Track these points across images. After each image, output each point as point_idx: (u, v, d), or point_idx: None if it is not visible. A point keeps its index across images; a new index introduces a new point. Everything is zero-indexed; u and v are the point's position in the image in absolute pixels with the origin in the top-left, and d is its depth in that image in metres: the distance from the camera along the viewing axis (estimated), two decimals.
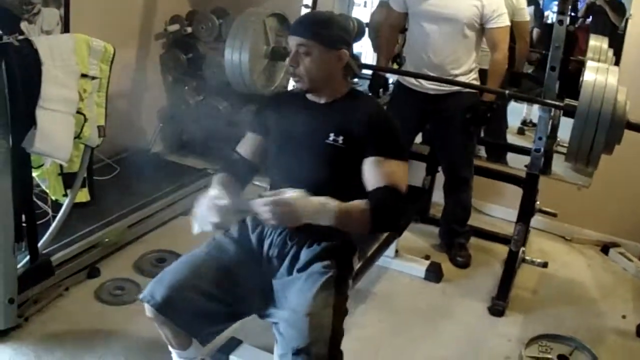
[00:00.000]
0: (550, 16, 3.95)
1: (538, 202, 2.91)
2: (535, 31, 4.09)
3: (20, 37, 1.95)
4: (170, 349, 1.82)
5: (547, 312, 2.67)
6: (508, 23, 2.69)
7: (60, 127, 2.09)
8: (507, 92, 2.54)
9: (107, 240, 2.61)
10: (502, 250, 2.90)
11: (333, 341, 1.60)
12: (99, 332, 2.20)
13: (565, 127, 2.94)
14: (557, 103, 2.42)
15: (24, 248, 2.16)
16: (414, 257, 2.89)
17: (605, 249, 3.23)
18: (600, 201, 3.20)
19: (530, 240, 3.24)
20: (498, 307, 2.59)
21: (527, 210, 2.58)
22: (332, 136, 1.72)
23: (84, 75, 2.16)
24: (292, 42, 1.73)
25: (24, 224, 2.11)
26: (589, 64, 2.42)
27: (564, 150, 2.68)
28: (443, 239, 3.08)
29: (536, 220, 3.32)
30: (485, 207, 3.51)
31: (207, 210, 1.60)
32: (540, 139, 2.52)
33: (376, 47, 3.06)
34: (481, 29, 2.69)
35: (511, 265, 2.59)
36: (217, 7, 3.47)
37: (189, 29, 3.45)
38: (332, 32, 1.71)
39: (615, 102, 2.25)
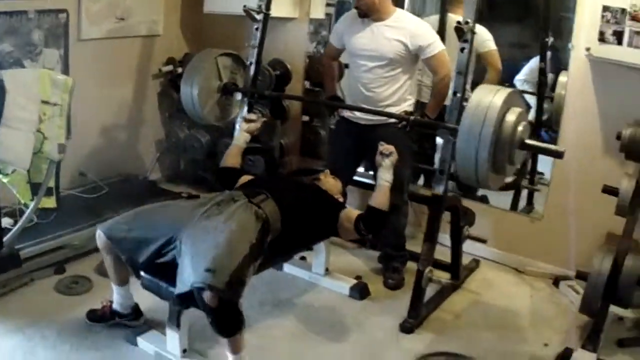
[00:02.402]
0: None
1: (468, 228, 3.20)
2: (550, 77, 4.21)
3: None
4: (112, 285, 2.62)
5: (462, 334, 2.87)
6: (440, 49, 3.04)
7: (20, 142, 2.84)
8: (411, 118, 2.91)
9: (75, 243, 3.30)
10: (441, 276, 3.13)
11: (237, 273, 2.15)
12: (49, 314, 2.79)
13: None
14: (450, 126, 2.76)
15: None
16: (343, 276, 3.23)
17: (557, 282, 3.33)
18: (555, 233, 3.38)
19: (479, 270, 3.48)
20: (407, 324, 2.86)
21: (432, 231, 2.89)
22: None
23: (44, 102, 2.92)
24: None
25: None
26: (480, 86, 2.63)
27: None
28: (381, 263, 3.42)
29: (490, 252, 3.57)
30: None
31: None
32: (444, 161, 2.86)
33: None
34: (412, 60, 3.11)
35: (418, 284, 2.87)
36: (206, 49, 4.17)
37: (180, 70, 4.18)
38: None
39: (500, 122, 2.44)
